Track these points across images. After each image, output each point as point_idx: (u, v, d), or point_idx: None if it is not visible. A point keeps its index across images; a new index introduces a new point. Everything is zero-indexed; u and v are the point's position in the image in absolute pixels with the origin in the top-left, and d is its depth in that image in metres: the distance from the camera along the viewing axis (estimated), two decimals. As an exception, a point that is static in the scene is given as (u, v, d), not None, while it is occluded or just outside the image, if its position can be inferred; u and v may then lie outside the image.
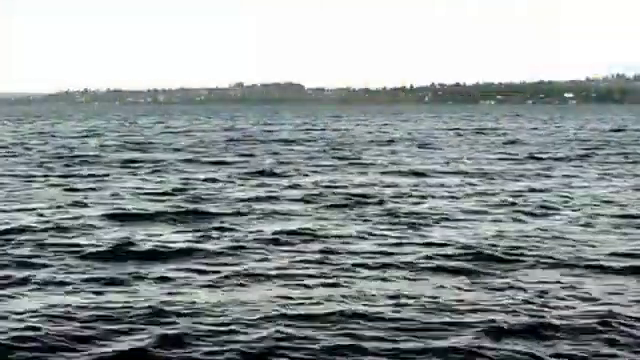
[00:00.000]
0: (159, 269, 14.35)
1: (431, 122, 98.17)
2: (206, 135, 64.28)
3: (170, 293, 12.76)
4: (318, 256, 15.39)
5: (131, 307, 11.86)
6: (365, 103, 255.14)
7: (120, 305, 11.99)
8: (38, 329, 10.88)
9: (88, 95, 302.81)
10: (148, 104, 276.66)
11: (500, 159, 39.43)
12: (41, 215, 20.25)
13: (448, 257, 15.34)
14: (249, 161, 37.51)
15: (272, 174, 31.18)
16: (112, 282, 13.43)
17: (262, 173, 31.42)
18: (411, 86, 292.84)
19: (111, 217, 19.96)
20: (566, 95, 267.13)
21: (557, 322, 11.25)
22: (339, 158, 39.33)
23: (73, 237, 17.33)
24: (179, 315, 11.50)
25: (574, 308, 12.00)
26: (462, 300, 12.42)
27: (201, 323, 11.17)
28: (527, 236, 17.55)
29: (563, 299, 12.48)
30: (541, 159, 39.20)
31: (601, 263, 14.86)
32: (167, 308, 11.81)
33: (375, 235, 17.70)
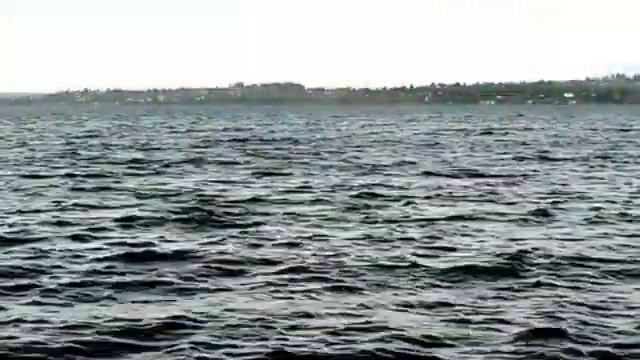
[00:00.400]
0: (172, 275, 13.82)
1: (436, 122, 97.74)
2: (211, 135, 63.79)
3: (182, 300, 12.29)
4: (335, 262, 14.82)
5: (144, 316, 11.34)
6: (365, 103, 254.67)
7: (133, 314, 11.49)
8: (47, 337, 10.46)
9: (88, 95, 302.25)
10: (148, 104, 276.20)
11: (514, 159, 38.94)
12: (50, 218, 19.72)
13: (471, 262, 14.81)
14: (257, 162, 36.96)
15: (282, 175, 30.64)
16: (124, 290, 12.93)
17: (272, 174, 30.89)
18: (411, 86, 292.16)
19: (121, 220, 19.40)
20: (566, 95, 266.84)
21: (592, 328, 10.89)
22: (348, 159, 38.78)
23: (83, 242, 16.82)
24: (191, 323, 11.03)
25: (610, 315, 11.60)
26: (491, 306, 11.98)
27: (214, 330, 10.74)
28: (552, 239, 17.09)
29: (599, 304, 12.09)
30: (556, 160, 38.66)
31: (633, 268, 14.45)
32: (179, 314, 11.37)
33: (395, 239, 17.14)
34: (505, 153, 43.64)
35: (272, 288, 12.95)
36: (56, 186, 26.97)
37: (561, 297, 12.46)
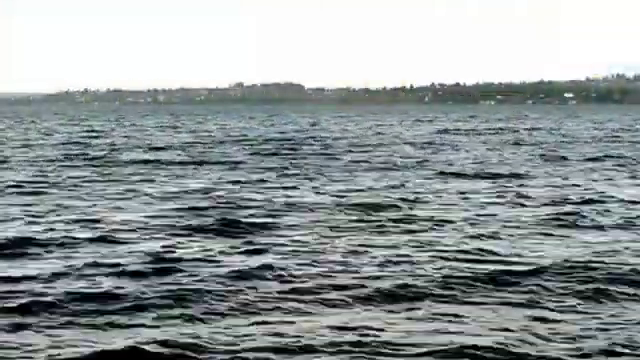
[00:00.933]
0: (192, 288, 12.87)
1: (443, 122, 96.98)
2: (218, 136, 63.11)
3: (204, 319, 11.36)
4: (364, 271, 13.91)
5: (163, 336, 10.44)
6: (365, 103, 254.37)
7: (150, 333, 10.64)
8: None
9: (88, 95, 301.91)
10: (148, 104, 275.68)
11: (533, 159, 38.30)
12: (59, 224, 18.79)
13: (513, 268, 14.06)
14: (270, 163, 36.17)
15: (296, 177, 29.89)
16: (140, 306, 11.90)
17: (286, 175, 30.16)
18: (411, 86, 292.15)
19: (133, 224, 18.63)
20: (566, 95, 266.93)
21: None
22: (362, 160, 38.02)
23: (92, 249, 15.92)
24: (214, 345, 10.19)
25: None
26: (543, 318, 11.31)
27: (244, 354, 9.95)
28: (590, 245, 16.37)
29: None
30: (574, 160, 37.87)
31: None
32: (202, 336, 10.52)
33: (424, 245, 16.23)
34: (522, 153, 43.01)
35: (302, 303, 12.04)
36: (64, 188, 26.11)
37: (613, 308, 11.84)
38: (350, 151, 44.04)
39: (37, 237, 16.76)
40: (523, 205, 22.16)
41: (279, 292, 12.55)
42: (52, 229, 17.83)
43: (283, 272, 13.76)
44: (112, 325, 10.94)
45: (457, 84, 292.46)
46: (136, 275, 13.56)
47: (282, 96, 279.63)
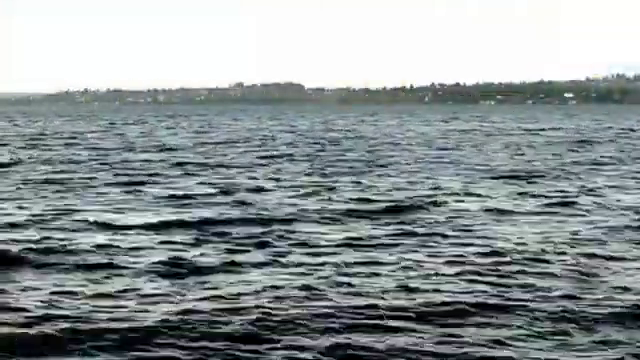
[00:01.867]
0: (220, 323, 11.66)
1: (452, 122, 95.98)
2: (228, 136, 61.95)
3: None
4: (392, 292, 12.33)
5: None
6: (365, 103, 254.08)
7: None
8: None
9: (88, 95, 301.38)
10: (148, 104, 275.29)
11: (561, 162, 37.03)
12: (74, 230, 17.50)
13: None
14: (286, 165, 34.92)
15: (316, 178, 28.60)
16: (158, 325, 10.55)
17: (305, 178, 28.82)
18: (411, 86, 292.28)
19: (148, 230, 17.42)
20: (566, 95, 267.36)
21: None
22: (393, 163, 36.63)
23: (108, 256, 14.70)
24: None
25: None
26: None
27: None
28: None
29: None
30: (611, 164, 36.46)
31: None
32: None
33: (473, 261, 14.55)
34: (550, 154, 41.82)
35: (333, 322, 10.63)
36: (76, 191, 24.72)
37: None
38: (369, 152, 42.95)
39: (46, 242, 15.76)
40: (570, 208, 20.96)
41: (310, 311, 11.16)
42: (63, 234, 16.71)
43: (311, 288, 12.39)
44: (129, 346, 9.81)
45: (457, 84, 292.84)
46: (153, 289, 12.36)
47: (282, 96, 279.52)
